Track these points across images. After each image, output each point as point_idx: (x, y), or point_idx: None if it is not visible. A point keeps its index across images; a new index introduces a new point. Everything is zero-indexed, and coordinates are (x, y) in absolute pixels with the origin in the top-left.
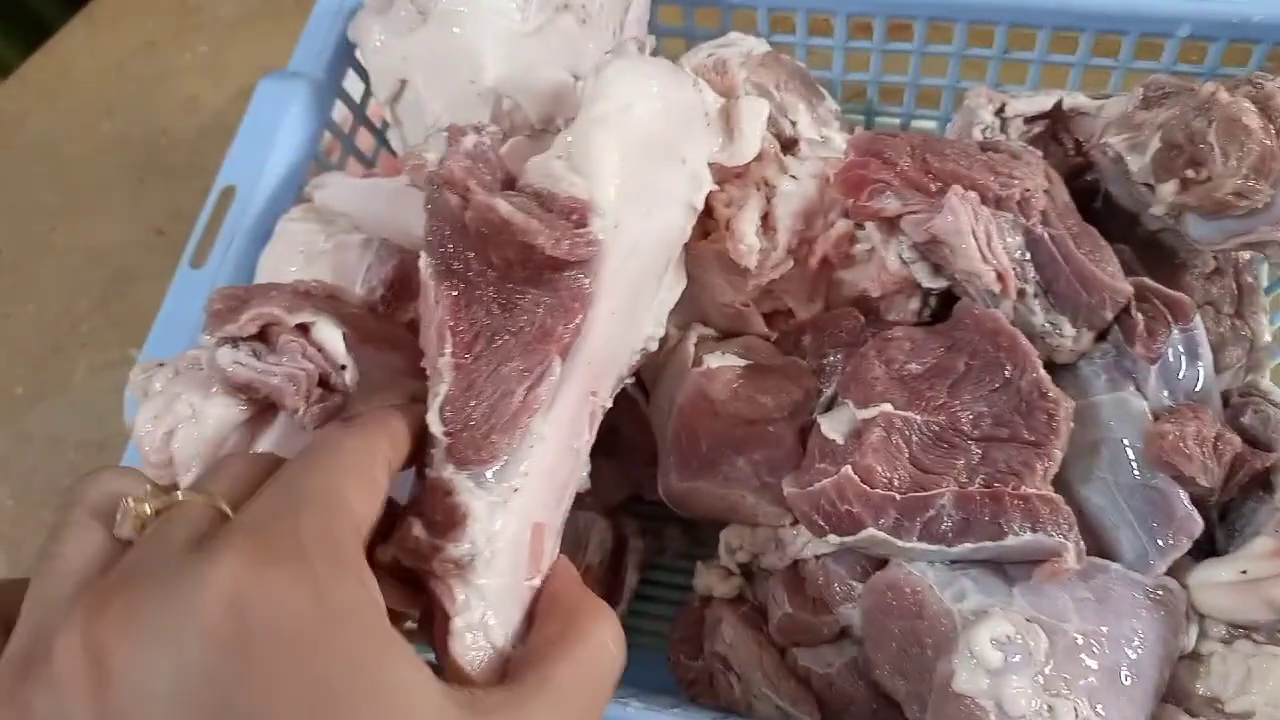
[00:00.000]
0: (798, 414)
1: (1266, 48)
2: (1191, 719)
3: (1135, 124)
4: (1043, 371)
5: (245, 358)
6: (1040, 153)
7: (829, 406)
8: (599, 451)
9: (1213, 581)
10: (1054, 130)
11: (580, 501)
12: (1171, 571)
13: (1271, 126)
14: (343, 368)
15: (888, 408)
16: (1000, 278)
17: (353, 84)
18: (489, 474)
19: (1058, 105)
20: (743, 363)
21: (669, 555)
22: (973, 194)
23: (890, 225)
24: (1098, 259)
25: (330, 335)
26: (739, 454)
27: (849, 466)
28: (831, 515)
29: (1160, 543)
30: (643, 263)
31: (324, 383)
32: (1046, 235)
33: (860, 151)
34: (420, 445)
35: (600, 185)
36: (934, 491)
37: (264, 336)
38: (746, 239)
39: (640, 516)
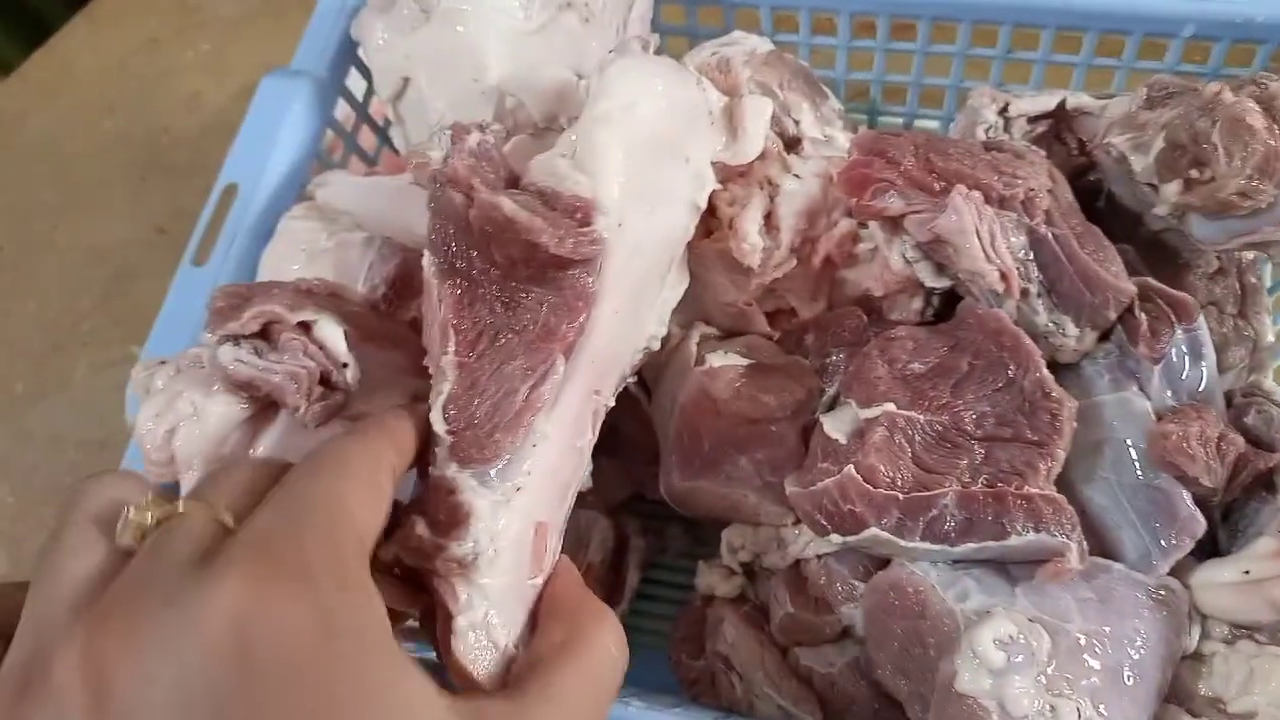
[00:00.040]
0: (800, 413)
1: (1270, 48)
2: (1194, 719)
3: (1139, 124)
4: (1046, 371)
5: (247, 356)
6: (1044, 152)
7: (832, 406)
8: (601, 450)
9: (1215, 582)
10: (1057, 130)
11: (582, 500)
12: (1174, 572)
13: (1276, 126)
14: (344, 366)
15: (890, 407)
16: (1004, 277)
17: (355, 82)
18: (492, 473)
19: (1061, 105)
20: (745, 362)
21: (671, 554)
22: (976, 193)
23: (894, 224)
24: (1101, 259)
25: (332, 333)
26: (741, 453)
27: (852, 466)
28: (834, 515)
29: (1163, 543)
30: (646, 261)
31: (325, 381)
32: (1050, 235)
33: (864, 150)
34: (425, 446)
35: (604, 184)
36: (937, 491)
37: (266, 334)
38: (749, 238)
39: (642, 515)
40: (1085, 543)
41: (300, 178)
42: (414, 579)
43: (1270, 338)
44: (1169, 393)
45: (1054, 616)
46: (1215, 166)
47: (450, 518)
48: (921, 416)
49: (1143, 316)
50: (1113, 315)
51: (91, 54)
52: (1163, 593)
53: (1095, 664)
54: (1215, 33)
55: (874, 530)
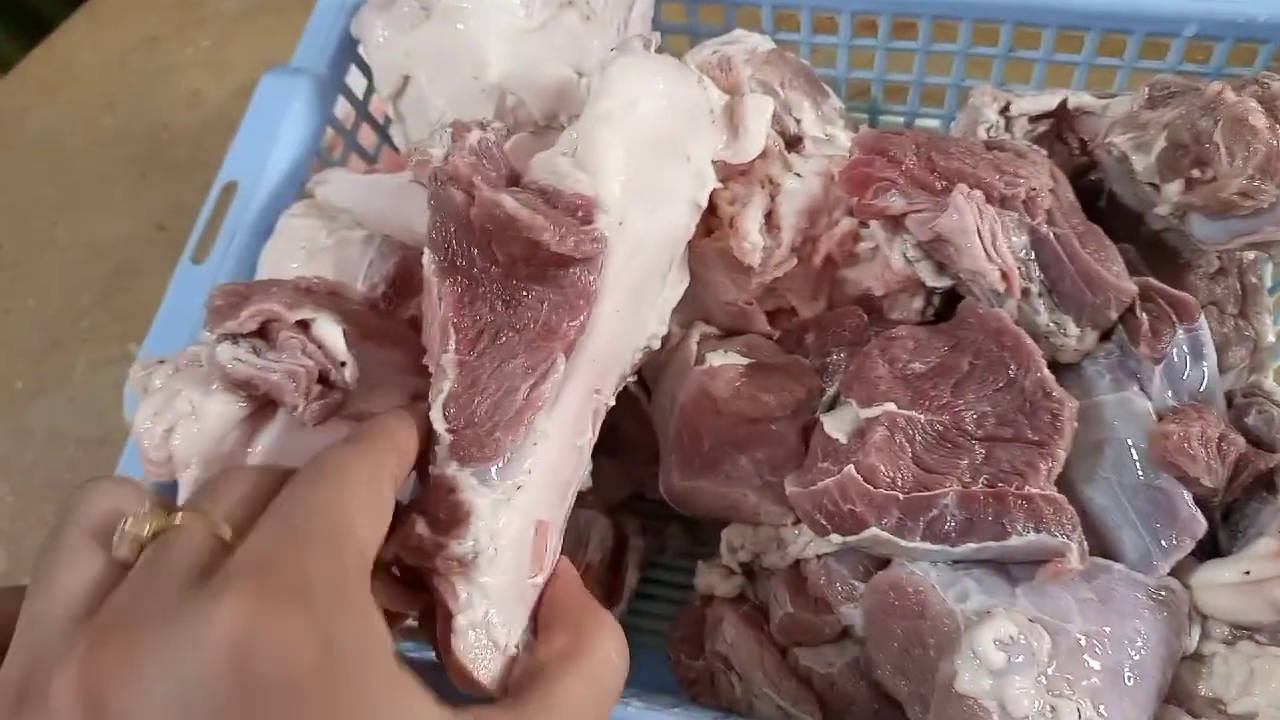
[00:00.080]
0: (800, 413)
1: (1272, 48)
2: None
3: (1140, 123)
4: (1047, 371)
5: (245, 354)
6: (1045, 152)
7: (832, 405)
8: (600, 449)
9: (1216, 582)
10: (1059, 129)
11: (581, 499)
12: (1174, 572)
13: (1278, 126)
14: (343, 364)
15: (891, 407)
16: (1005, 277)
17: (355, 80)
18: (493, 471)
19: (1063, 104)
20: (745, 361)
21: (670, 554)
22: (978, 193)
23: (895, 223)
24: (1102, 258)
25: (330, 332)
26: (741, 453)
27: (852, 466)
28: (834, 514)
29: (1163, 543)
30: (647, 260)
31: (324, 379)
32: (1051, 234)
33: (865, 149)
34: (427, 448)
35: (605, 182)
36: (937, 491)
37: (264, 333)
38: (750, 237)
39: (641, 515)
40: (1086, 543)
41: (300, 175)
42: (413, 578)
43: (1271, 338)
44: (1170, 393)
45: (1054, 617)
46: (1217, 166)
47: (450, 516)
48: (922, 416)
49: (1144, 316)
50: (1114, 315)
51: (92, 50)
52: (1163, 593)
53: (1095, 664)
54: (1217, 32)
55: (874, 530)
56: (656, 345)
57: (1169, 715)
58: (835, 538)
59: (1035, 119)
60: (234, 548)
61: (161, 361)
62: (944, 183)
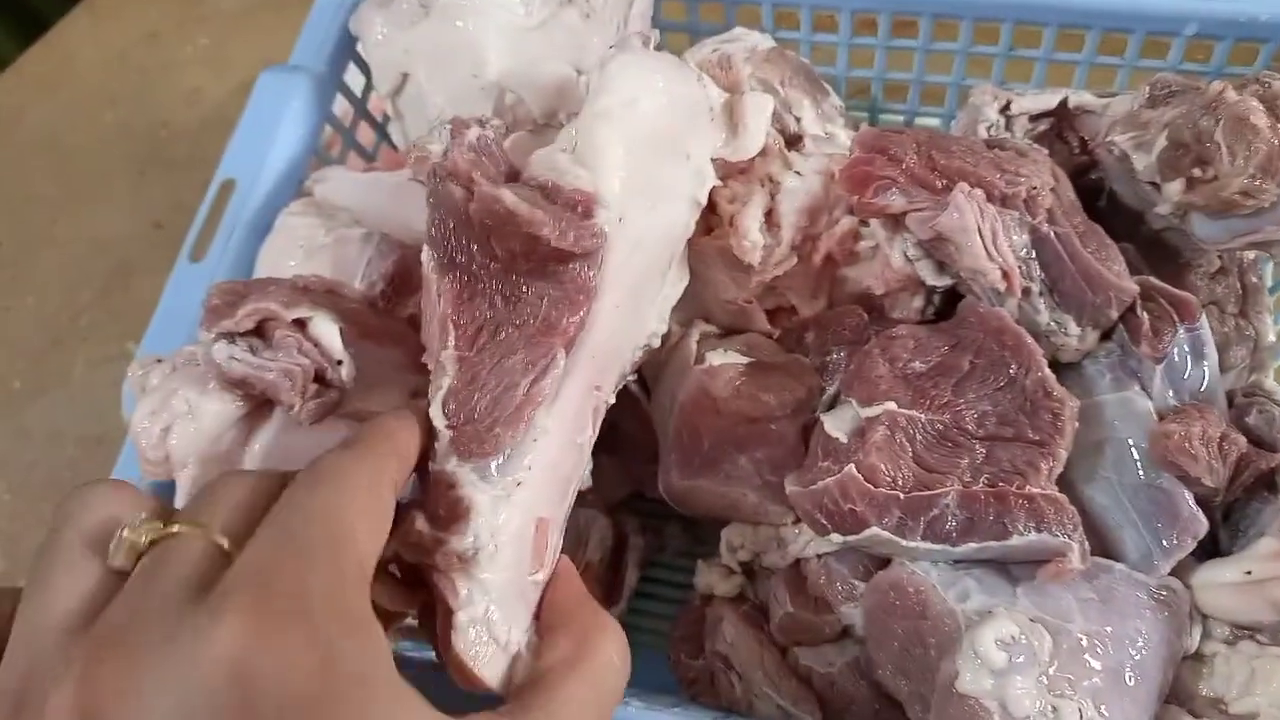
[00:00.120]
0: (800, 412)
1: (1273, 47)
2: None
3: (1141, 122)
4: (1047, 370)
5: (241, 353)
6: (1046, 150)
7: (832, 404)
8: (600, 448)
9: (1217, 582)
10: (1059, 128)
11: (581, 498)
12: (1175, 572)
13: (1278, 125)
14: (339, 363)
15: (891, 406)
16: (1005, 276)
17: (354, 77)
18: (493, 467)
19: (1063, 103)
20: (745, 360)
21: (670, 553)
22: (978, 191)
23: (895, 222)
24: (1103, 258)
25: (327, 330)
26: (741, 452)
27: (852, 465)
28: (834, 514)
29: (1164, 543)
30: (647, 257)
31: (320, 378)
32: (1052, 233)
33: (866, 148)
34: (427, 448)
35: (605, 178)
36: (938, 491)
37: (261, 332)
38: (750, 235)
39: (641, 514)
40: (1087, 543)
41: (298, 173)
42: (412, 576)
43: (1271, 337)
44: (1171, 392)
45: (1055, 617)
46: (1218, 165)
47: (450, 512)
48: (923, 415)
49: (1144, 316)
50: (1115, 314)
51: (92, 46)
52: (1164, 593)
53: (1097, 664)
54: (1218, 31)
55: (874, 530)
56: (656, 343)
57: (1170, 715)
58: (835, 537)
59: (1036, 118)
60: (232, 557)
61: (159, 360)
62: (944, 181)
